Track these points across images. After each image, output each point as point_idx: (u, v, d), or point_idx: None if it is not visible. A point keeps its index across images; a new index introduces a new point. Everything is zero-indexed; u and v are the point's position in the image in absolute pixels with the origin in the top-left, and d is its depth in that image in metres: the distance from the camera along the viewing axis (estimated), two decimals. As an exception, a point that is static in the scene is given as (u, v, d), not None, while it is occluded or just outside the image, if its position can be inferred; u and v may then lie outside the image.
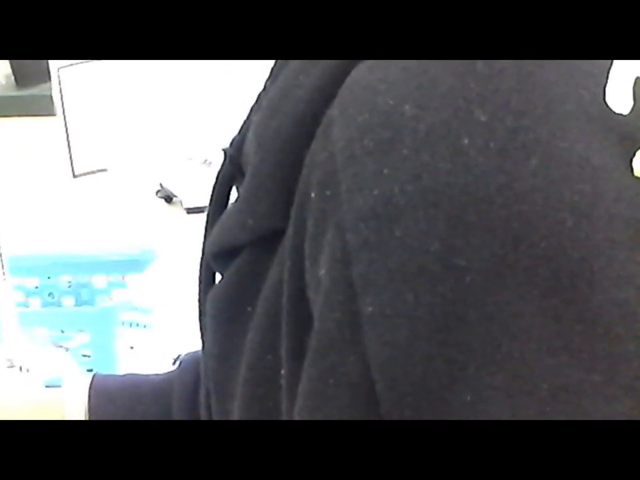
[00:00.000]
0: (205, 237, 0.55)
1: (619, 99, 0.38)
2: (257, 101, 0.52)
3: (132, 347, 1.30)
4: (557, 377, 0.36)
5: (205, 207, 1.82)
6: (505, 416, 0.37)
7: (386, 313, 0.37)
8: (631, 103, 0.38)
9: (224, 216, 0.51)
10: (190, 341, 1.30)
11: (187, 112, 1.80)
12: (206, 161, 1.82)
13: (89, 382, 0.82)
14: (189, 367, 0.76)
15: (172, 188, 1.83)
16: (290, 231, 0.43)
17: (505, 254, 0.36)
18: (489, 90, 0.37)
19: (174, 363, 1.28)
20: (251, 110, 0.53)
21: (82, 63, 1.93)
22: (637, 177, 0.37)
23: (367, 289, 0.37)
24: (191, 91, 1.80)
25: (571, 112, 0.37)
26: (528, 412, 0.37)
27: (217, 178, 0.54)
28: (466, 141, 0.36)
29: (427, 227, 0.36)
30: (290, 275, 0.42)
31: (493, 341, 0.36)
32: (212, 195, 0.55)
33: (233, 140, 0.53)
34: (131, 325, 1.30)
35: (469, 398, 0.37)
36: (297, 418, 0.42)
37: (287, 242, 0.43)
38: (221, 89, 1.81)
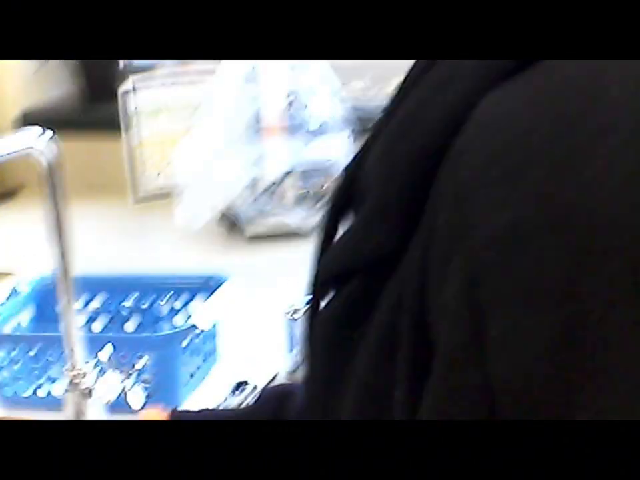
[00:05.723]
0: (318, 260, 0.56)
1: None
2: (374, 131, 0.53)
3: (193, 374, 1.29)
4: None
5: (266, 234, 1.83)
6: None
7: (510, 334, 0.39)
8: None
9: (339, 240, 0.53)
10: (252, 368, 1.30)
11: (251, 139, 1.80)
12: (268, 189, 1.81)
13: (167, 416, 0.82)
14: (268, 402, 0.76)
15: (234, 215, 1.83)
16: (414, 256, 0.44)
17: (627, 281, 0.37)
18: (621, 115, 0.38)
19: (234, 391, 1.27)
20: (368, 140, 0.54)
21: (149, 86, 1.94)
22: None
23: (493, 311, 0.39)
24: (256, 117, 1.80)
25: None
26: None
27: (331, 202, 0.56)
28: (597, 164, 0.38)
29: (552, 253, 0.38)
30: (412, 299, 0.44)
31: (610, 364, 0.37)
32: (325, 220, 0.56)
33: (348, 166, 0.55)
34: (193, 351, 1.29)
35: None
36: None
37: (411, 266, 0.45)
38: (285, 118, 1.81)
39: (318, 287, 0.55)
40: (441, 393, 0.42)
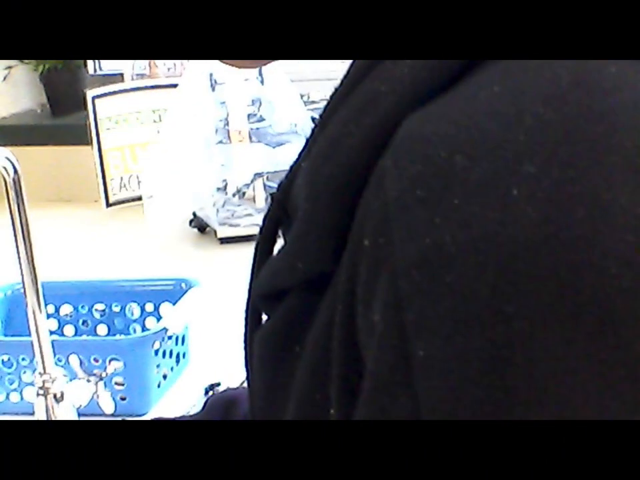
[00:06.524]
0: (252, 277, 0.55)
1: None
2: (305, 147, 0.53)
3: (165, 376, 1.30)
4: (601, 419, 0.37)
5: (237, 237, 1.82)
6: None
7: (437, 357, 0.38)
8: None
9: (273, 259, 0.52)
10: (222, 370, 1.31)
11: (221, 142, 1.80)
12: (239, 191, 1.82)
13: None
14: (215, 409, 0.76)
15: (205, 218, 1.84)
16: (342, 276, 0.44)
17: (552, 301, 0.37)
18: (537, 142, 0.38)
19: (206, 393, 1.28)
20: (299, 157, 0.54)
21: (117, 92, 1.95)
22: None
23: (419, 333, 0.38)
24: (225, 121, 1.81)
25: (615, 164, 0.38)
26: None
27: (264, 221, 0.56)
28: (515, 192, 0.37)
29: (477, 275, 0.37)
30: (342, 319, 0.44)
31: (538, 384, 0.37)
32: (259, 238, 0.56)
33: (280, 184, 0.54)
34: (164, 354, 1.30)
35: None
36: None
37: (339, 287, 0.44)
38: (252, 121, 1.82)
39: (256, 303, 0.54)
40: (370, 413, 0.41)
